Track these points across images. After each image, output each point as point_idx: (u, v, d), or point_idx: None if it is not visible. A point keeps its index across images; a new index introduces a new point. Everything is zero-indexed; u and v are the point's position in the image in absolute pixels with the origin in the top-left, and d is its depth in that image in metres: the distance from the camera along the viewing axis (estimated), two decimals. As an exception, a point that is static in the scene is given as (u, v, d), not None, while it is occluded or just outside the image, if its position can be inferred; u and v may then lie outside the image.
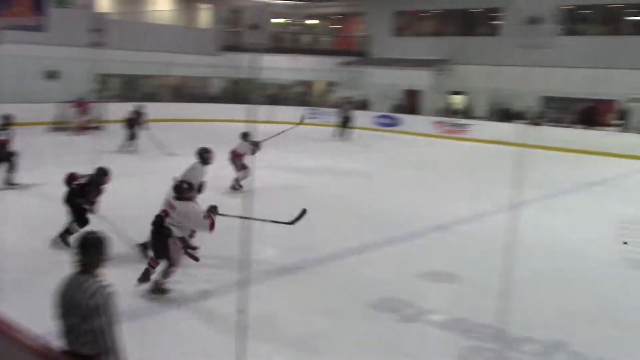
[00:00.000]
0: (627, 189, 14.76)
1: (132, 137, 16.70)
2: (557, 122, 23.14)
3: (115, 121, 18.40)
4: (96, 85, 23.78)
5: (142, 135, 16.64)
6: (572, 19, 24.97)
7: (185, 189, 6.72)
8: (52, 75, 23.09)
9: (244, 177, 11.76)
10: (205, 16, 30.27)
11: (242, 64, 27.60)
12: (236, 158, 11.89)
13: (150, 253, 6.88)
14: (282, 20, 33.11)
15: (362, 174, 15.23)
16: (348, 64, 29.14)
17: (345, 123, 23.05)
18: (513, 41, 24.49)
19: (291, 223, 7.05)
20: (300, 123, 15.43)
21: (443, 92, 26.95)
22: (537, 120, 22.49)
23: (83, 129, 20.03)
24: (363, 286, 7.25)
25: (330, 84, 30.43)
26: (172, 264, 6.56)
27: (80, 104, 20.70)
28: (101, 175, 7.99)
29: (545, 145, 21.08)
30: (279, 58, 26.61)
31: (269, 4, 29.37)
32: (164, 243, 6.54)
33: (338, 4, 30.78)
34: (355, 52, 30.20)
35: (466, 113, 25.44)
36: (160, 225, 6.60)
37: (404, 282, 7.45)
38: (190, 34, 28.98)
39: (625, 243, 9.44)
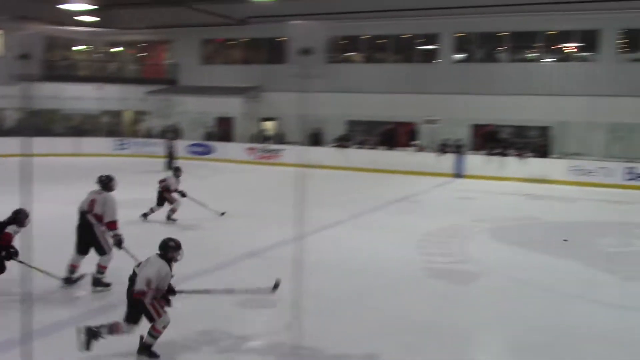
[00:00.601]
0: (427, 204, 15.96)
1: None
2: (362, 144, 24.54)
3: None
4: None
5: None
6: (370, 47, 26.77)
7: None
8: None
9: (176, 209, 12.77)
10: (-4, 43, 27.94)
11: (40, 94, 25.78)
12: (166, 192, 12.72)
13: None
14: (83, 47, 31.59)
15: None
16: (157, 92, 28.53)
17: (171, 153, 22.79)
18: (289, 70, 25.81)
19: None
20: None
21: (254, 119, 27.39)
22: (344, 143, 23.69)
23: None
24: (181, 320, 7.02)
25: (140, 113, 29.51)
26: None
27: None
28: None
29: (352, 166, 22.31)
30: (82, 87, 25.37)
31: (40, 31, 27.87)
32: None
33: (143, 32, 30.07)
34: (164, 80, 29.66)
35: (278, 138, 26.04)
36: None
37: (221, 311, 7.35)
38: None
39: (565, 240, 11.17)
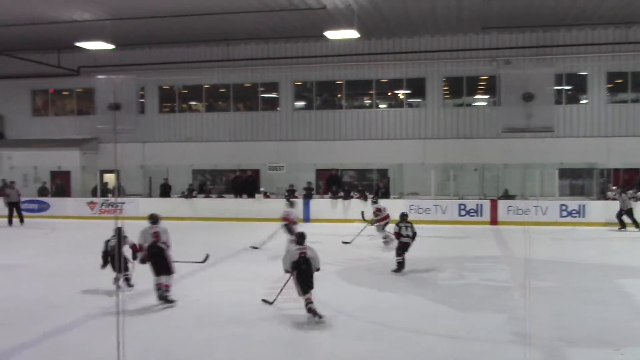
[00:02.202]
0: (276, 249, 16.00)
1: None
2: (209, 193, 24.30)
3: None
4: None
5: None
6: (212, 96, 26.84)
7: None
8: None
9: None
10: None
11: None
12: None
13: None
14: None
15: (7, 267, 13.71)
16: (-19, 147, 26.43)
17: (12, 210, 21.66)
18: (159, 122, 25.71)
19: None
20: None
21: (94, 171, 26.14)
22: (190, 192, 23.29)
23: None
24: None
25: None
26: None
27: None
28: None
29: (199, 216, 21.97)
30: None
31: None
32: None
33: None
34: (-10, 134, 27.63)
35: (119, 191, 25.01)
36: None
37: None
38: None
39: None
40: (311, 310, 8.96)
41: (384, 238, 16.37)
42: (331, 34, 19.59)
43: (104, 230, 15.43)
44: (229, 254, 15.25)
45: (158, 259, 9.94)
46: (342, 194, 22.27)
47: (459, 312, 9.64)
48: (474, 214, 21.17)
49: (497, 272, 12.97)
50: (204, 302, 10.25)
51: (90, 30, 20.30)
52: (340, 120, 25.08)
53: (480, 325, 8.87)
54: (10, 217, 21.65)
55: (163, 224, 10.37)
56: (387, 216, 16.71)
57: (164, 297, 9.90)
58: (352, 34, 19.26)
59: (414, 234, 12.81)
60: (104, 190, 25.26)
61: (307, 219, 21.50)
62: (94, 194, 24.92)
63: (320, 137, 24.88)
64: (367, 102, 25.75)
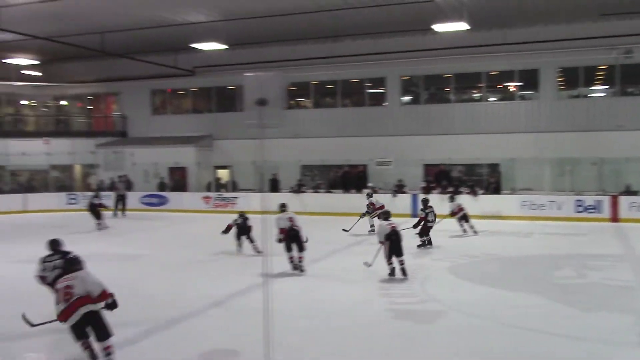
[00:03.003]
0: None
1: None
2: (317, 188, 24.66)
3: None
4: None
5: None
6: (319, 93, 27.18)
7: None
8: None
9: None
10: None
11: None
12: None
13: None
14: (27, 102, 31.15)
15: (131, 257, 14.59)
16: (106, 144, 28.19)
17: (118, 202, 23.60)
18: (244, 119, 26.12)
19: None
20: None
21: (208, 167, 27.27)
22: (299, 188, 23.74)
23: None
24: None
25: (90, 167, 29.02)
26: None
27: None
28: None
29: (308, 211, 22.30)
30: (29, 142, 24.90)
31: (21, 91, 27.55)
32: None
33: (89, 85, 29.83)
34: (114, 132, 29.41)
35: (232, 186, 25.95)
36: None
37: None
38: None
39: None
40: (404, 270, 11.40)
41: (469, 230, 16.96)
42: (439, 27, 19.27)
43: (218, 222, 16.08)
44: (337, 248, 15.40)
45: (295, 238, 12.06)
46: (451, 189, 21.89)
47: (580, 312, 9.23)
48: (593, 210, 20.16)
49: (620, 271, 12.27)
50: (312, 295, 10.44)
51: (204, 32, 21.15)
52: (448, 114, 24.64)
53: (604, 326, 8.45)
54: (116, 208, 23.50)
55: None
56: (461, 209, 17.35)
57: (298, 266, 12.06)
58: (461, 26, 18.85)
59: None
60: (218, 185, 26.28)
61: (415, 214, 21.32)
62: (208, 188, 26.00)
63: (427, 132, 24.55)
64: (476, 95, 25.14)
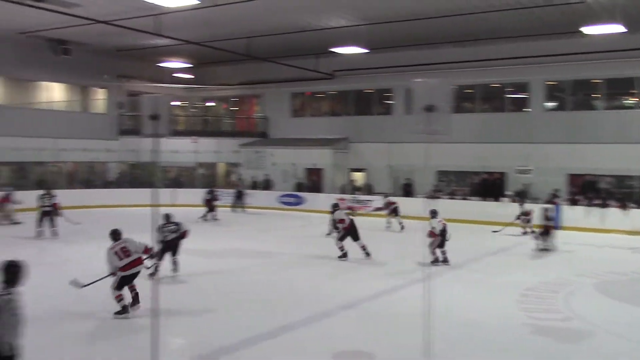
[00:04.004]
0: (523, 257, 15.43)
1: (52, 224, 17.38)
2: (453, 194, 24.21)
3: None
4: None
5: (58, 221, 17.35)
6: (458, 97, 26.65)
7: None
8: None
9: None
10: (101, 101, 29.83)
11: (140, 148, 27.24)
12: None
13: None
14: (178, 103, 33.25)
15: (267, 255, 15.13)
16: (248, 144, 29.43)
17: (237, 201, 25.12)
18: (407, 123, 26.12)
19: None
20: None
21: (343, 170, 27.66)
22: (434, 193, 23.43)
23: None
24: None
25: (233, 165, 30.47)
26: None
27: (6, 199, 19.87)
28: None
29: (444, 217, 21.87)
30: (178, 141, 26.55)
31: (167, 94, 29.48)
32: None
33: (235, 87, 31.28)
34: (256, 133, 30.64)
35: (367, 189, 26.14)
36: None
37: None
38: (86, 118, 28.42)
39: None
40: None
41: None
42: (590, 30, 18.18)
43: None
44: (470, 257, 15.03)
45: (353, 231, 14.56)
46: (598, 201, 20.61)
47: None
48: None
49: None
50: (442, 306, 10.27)
51: (345, 36, 21.46)
52: (596, 121, 23.20)
53: None
54: (237, 205, 25.23)
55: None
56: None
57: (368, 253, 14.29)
58: (616, 28, 17.66)
59: None
60: (353, 188, 26.58)
61: (557, 226, 20.32)
62: (342, 190, 26.37)
63: (573, 140, 23.26)
64: (629, 102, 23.48)
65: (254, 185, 27.90)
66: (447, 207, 22.57)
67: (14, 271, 5.18)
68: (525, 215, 19.16)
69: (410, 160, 23.79)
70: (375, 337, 8.38)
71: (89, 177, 28.20)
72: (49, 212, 17.35)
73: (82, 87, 28.94)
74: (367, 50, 22.22)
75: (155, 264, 10.41)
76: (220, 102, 33.82)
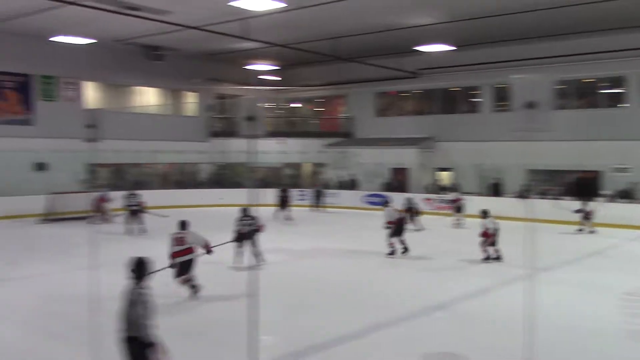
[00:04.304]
0: (622, 259, 14.77)
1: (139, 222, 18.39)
2: (544, 194, 23.41)
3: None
4: (86, 175, 23.92)
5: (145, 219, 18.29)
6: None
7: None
8: (40, 167, 23.17)
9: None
10: (191, 104, 30.85)
11: (229, 149, 27.99)
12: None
13: None
14: (265, 104, 33.88)
15: (355, 254, 15.17)
16: (334, 145, 29.61)
17: (316, 200, 25.68)
18: (496, 121, 25.56)
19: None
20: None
21: (429, 169, 27.34)
22: (524, 193, 22.75)
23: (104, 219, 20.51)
24: None
25: (318, 165, 30.78)
26: None
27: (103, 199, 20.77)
28: None
29: (534, 217, 21.23)
30: (265, 142, 27.06)
31: (259, 95, 30.16)
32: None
33: (320, 88, 31.55)
34: (340, 133, 30.78)
35: (453, 189, 25.70)
36: None
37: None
38: (178, 121, 29.46)
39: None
40: None
41: None
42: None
43: (438, 225, 16.03)
44: (565, 259, 14.50)
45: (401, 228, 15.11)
46: None
47: None
48: None
49: None
50: (538, 309, 9.94)
51: (431, 34, 21.23)
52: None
53: None
54: (316, 205, 25.62)
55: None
56: None
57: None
58: None
59: None
60: (439, 187, 26.23)
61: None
62: (428, 190, 26.06)
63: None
64: None
65: (340, 185, 28.08)
66: (538, 206, 21.94)
67: (142, 267, 5.60)
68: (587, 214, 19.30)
69: (498, 158, 23.21)
70: (468, 339, 8.25)
71: (181, 177, 29.24)
72: (136, 211, 18.26)
73: (174, 91, 30.04)
74: (453, 48, 21.91)
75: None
76: (305, 103, 34.22)
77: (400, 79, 27.65)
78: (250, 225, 12.99)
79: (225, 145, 28.49)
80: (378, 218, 23.07)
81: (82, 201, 20.81)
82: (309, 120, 33.67)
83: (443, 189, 26.08)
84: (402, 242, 14.88)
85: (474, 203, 22.48)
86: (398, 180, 27.84)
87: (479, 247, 13.92)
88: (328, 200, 26.46)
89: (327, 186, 28.02)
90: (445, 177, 27.38)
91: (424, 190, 26.35)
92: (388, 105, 30.70)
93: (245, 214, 13.28)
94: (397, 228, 14.91)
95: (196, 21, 19.60)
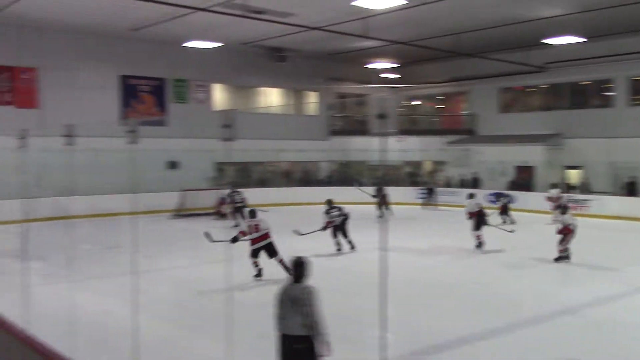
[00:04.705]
0: None
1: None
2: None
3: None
4: (214, 173, 25.14)
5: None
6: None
7: None
8: (173, 165, 24.60)
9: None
10: (313, 104, 31.47)
11: (348, 147, 28.28)
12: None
13: None
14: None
15: (475, 254, 14.85)
16: (455, 142, 29.08)
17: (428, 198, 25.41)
18: (632, 116, 23.96)
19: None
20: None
21: (557, 167, 26.12)
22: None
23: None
24: None
25: (438, 163, 30.37)
26: None
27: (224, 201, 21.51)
28: None
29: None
30: (386, 140, 27.06)
31: (392, 93, 30.29)
32: None
33: (441, 85, 31.06)
34: (462, 131, 30.15)
35: (583, 188, 24.45)
36: None
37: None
38: (300, 120, 30.16)
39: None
40: None
41: None
42: None
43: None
44: None
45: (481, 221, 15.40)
46: None
47: None
48: None
49: None
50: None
51: (559, 26, 20.28)
52: None
53: None
54: (427, 203, 25.26)
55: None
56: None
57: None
58: None
59: None
60: (567, 186, 25.01)
61: None
62: (555, 189, 24.90)
63: None
64: None
65: (461, 184, 27.53)
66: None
67: (302, 267, 5.73)
68: None
69: (633, 156, 21.80)
70: (599, 347, 7.86)
71: (302, 175, 29.92)
72: (241, 208, 18.89)
73: (296, 91, 30.78)
74: (583, 39, 20.81)
75: (337, 243, 14.37)
76: (425, 100, 33.83)
77: (525, 74, 26.64)
78: (339, 216, 14.41)
79: (345, 144, 28.82)
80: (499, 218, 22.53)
81: (210, 198, 21.87)
82: (430, 117, 33.27)
83: (572, 188, 24.86)
84: (478, 237, 15.12)
85: (605, 203, 21.35)
86: (523, 179, 26.86)
87: (558, 245, 13.35)
88: (448, 199, 26.00)
89: (449, 184, 27.59)
90: (574, 175, 26.06)
91: (550, 188, 25.23)
92: (512, 101, 29.66)
93: (332, 205, 14.61)
94: (477, 221, 15.22)
95: (318, 22, 19.99)
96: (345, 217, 14.58)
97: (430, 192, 26.28)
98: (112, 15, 20.29)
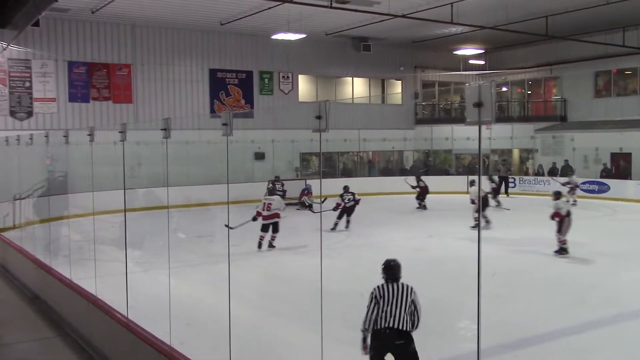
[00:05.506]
0: None
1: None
2: None
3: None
4: (299, 163, 25.47)
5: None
6: None
7: None
8: (259, 156, 25.11)
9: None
10: (397, 92, 31.24)
11: (433, 136, 27.91)
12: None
13: None
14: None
15: (572, 245, 14.31)
16: (545, 129, 28.11)
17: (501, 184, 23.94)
18: None
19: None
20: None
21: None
22: None
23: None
24: None
25: (527, 151, 29.45)
26: None
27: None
28: None
29: None
30: (471, 128, 26.49)
31: (492, 81, 29.60)
32: None
33: (531, 70, 30.05)
34: (553, 117, 29.07)
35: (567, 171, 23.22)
36: None
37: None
38: (384, 110, 30.00)
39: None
40: None
41: None
42: None
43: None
44: None
45: None
46: None
47: None
48: None
49: None
50: None
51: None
52: None
53: None
54: (497, 190, 22.60)
55: None
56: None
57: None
58: None
59: None
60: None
61: None
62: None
63: None
64: None
65: (551, 172, 26.50)
66: None
67: (395, 268, 5.72)
68: None
69: None
70: None
71: (386, 165, 29.80)
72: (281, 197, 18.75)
73: (381, 80, 30.61)
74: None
75: (335, 222, 16.00)
76: (514, 86, 32.81)
77: (623, 56, 25.35)
78: (351, 200, 16.17)
79: (429, 133, 28.45)
80: (595, 207, 21.57)
81: (295, 188, 22.15)
82: (518, 104, 32.28)
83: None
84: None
85: None
86: (619, 167, 25.60)
87: (556, 235, 12.74)
88: (539, 188, 25.16)
89: (537, 173, 26.67)
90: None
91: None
92: (608, 85, 28.28)
93: (346, 190, 16.31)
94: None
95: (403, 9, 19.78)
96: (355, 202, 16.28)
97: (502, 181, 24.91)
98: (202, 10, 20.92)
